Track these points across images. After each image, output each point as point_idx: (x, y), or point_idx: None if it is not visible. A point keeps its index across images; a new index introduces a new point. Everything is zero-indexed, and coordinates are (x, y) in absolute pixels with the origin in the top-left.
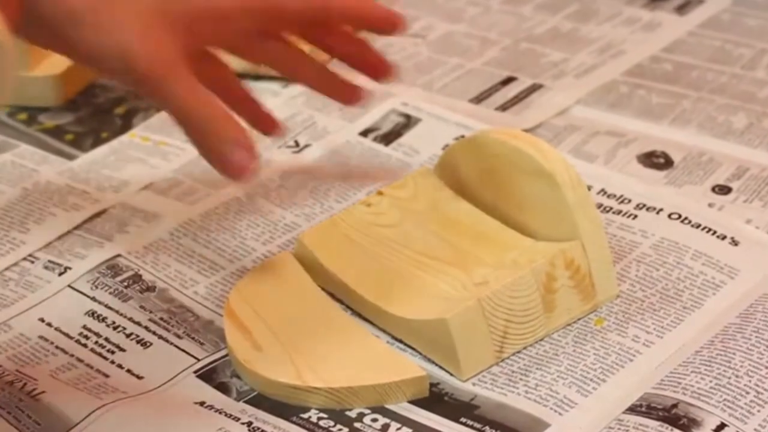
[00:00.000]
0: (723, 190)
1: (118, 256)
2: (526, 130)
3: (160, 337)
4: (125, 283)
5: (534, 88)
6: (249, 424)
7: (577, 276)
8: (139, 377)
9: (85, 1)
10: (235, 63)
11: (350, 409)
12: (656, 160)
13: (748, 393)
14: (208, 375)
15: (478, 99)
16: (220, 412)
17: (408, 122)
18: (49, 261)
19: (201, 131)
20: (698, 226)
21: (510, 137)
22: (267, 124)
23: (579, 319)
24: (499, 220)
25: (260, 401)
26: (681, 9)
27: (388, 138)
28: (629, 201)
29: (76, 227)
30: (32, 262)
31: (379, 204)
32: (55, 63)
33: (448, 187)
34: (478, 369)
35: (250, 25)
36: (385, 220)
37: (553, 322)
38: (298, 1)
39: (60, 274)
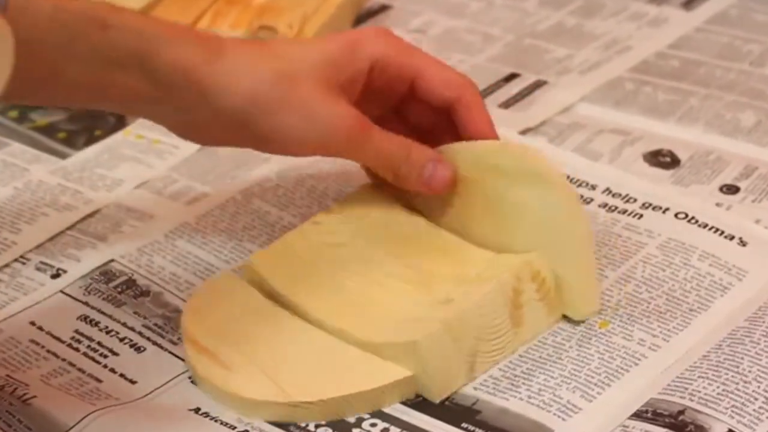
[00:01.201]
0: (731, 189)
1: (112, 261)
2: (530, 128)
3: (155, 343)
4: (119, 289)
5: (538, 85)
6: None
7: (543, 288)
8: (132, 382)
9: (277, 89)
10: None
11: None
12: (662, 159)
13: (756, 399)
14: None
15: (481, 96)
16: (215, 420)
17: None
18: (41, 262)
19: (403, 166)
20: (705, 226)
21: (494, 147)
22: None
23: (548, 331)
24: (463, 235)
25: None
26: (688, 4)
27: None
28: (635, 200)
29: (69, 227)
30: (24, 263)
31: (328, 222)
32: None
33: (402, 203)
34: (450, 390)
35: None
36: (336, 238)
37: (521, 337)
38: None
39: (52, 276)
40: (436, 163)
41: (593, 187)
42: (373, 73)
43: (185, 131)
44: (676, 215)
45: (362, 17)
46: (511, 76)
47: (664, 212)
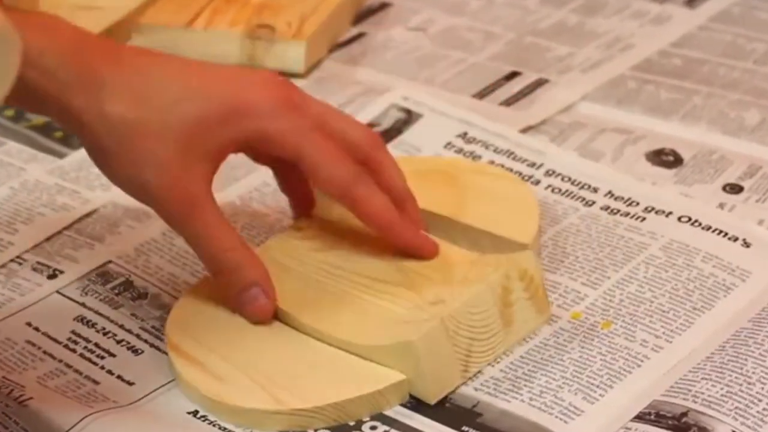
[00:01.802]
0: (734, 189)
1: (109, 262)
2: (531, 127)
3: (152, 345)
4: (116, 291)
5: (539, 83)
6: None
7: (531, 287)
8: (129, 384)
9: (114, 138)
10: None
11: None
12: (665, 158)
13: (760, 401)
14: None
15: (482, 94)
16: (213, 424)
17: (409, 118)
18: (38, 263)
19: (225, 276)
20: (709, 228)
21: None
22: (306, 205)
23: (534, 332)
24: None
25: None
26: (691, 2)
27: (389, 135)
28: (637, 204)
29: (66, 228)
30: (20, 264)
31: (309, 228)
32: None
33: None
34: (445, 392)
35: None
36: (318, 244)
37: (512, 337)
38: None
39: (49, 277)
40: (262, 291)
41: (595, 190)
42: (251, 142)
43: None
44: (679, 218)
45: (362, 15)
46: (512, 75)
47: (667, 216)
